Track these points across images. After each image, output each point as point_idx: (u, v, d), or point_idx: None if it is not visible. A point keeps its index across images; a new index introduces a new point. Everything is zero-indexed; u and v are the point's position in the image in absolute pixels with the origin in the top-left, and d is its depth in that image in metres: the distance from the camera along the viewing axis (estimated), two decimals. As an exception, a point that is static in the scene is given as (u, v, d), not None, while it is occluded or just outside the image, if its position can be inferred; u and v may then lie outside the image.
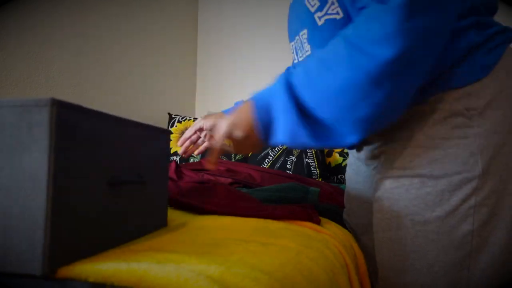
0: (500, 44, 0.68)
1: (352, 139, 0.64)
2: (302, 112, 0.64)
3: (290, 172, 1.61)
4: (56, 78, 1.48)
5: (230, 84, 2.33)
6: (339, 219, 0.96)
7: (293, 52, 0.89)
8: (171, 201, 0.83)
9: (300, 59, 0.84)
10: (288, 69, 0.69)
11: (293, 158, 1.65)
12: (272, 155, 1.69)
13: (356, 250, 0.86)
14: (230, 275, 0.41)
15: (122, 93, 1.84)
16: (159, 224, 0.67)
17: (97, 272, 0.41)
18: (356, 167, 0.97)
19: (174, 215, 0.79)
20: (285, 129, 0.66)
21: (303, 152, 1.66)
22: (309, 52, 0.79)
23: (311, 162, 1.65)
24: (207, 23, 2.43)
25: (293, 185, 1.03)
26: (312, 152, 1.66)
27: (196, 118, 2.01)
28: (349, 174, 1.02)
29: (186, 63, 2.36)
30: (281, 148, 1.68)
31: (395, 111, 0.65)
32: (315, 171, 1.63)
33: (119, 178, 0.54)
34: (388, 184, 0.74)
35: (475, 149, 0.65)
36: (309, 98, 0.63)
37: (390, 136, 0.76)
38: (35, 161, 0.41)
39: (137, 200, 0.59)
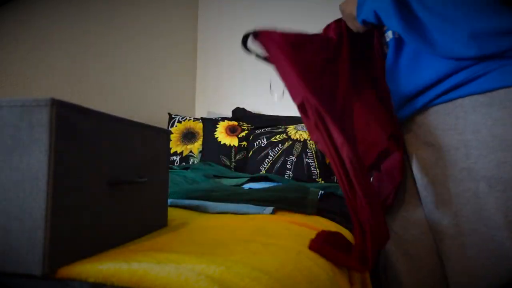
0: None
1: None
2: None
3: (291, 172, 1.61)
4: (56, 78, 1.48)
5: (230, 84, 2.33)
6: (339, 220, 0.96)
7: None
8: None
9: None
10: None
11: (293, 158, 1.65)
12: (272, 155, 1.68)
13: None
14: (230, 275, 0.41)
15: (122, 93, 1.84)
16: (159, 224, 0.67)
17: (97, 272, 0.41)
18: None
19: (174, 215, 0.79)
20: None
21: (303, 152, 1.65)
22: None
23: (311, 162, 1.64)
24: (207, 23, 2.43)
25: (293, 185, 1.03)
26: (312, 152, 1.66)
27: (196, 118, 2.00)
28: None
29: (186, 63, 2.36)
30: (281, 148, 1.68)
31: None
32: (315, 171, 1.62)
33: (119, 178, 0.54)
34: (452, 188, 0.70)
35: None
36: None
37: (444, 122, 0.72)
38: (35, 161, 0.41)
39: (137, 200, 0.59)
